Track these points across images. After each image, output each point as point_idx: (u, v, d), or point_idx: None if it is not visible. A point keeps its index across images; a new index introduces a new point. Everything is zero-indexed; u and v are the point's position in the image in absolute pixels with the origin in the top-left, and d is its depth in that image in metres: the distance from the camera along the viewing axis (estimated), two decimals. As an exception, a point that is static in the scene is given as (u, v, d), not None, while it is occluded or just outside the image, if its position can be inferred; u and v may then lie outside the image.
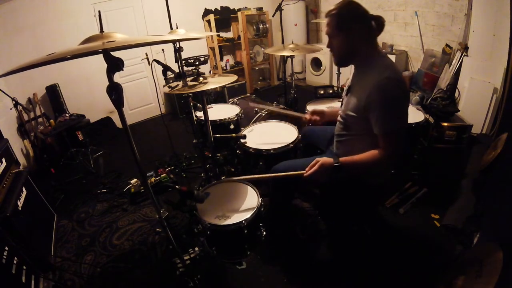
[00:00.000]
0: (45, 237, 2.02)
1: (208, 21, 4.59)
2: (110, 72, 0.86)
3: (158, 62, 1.61)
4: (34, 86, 3.37)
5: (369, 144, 1.28)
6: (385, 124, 1.20)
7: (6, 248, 1.41)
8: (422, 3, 3.38)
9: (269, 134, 2.05)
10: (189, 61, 1.79)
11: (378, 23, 1.30)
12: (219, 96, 4.11)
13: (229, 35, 4.96)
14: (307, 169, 1.31)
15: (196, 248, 1.51)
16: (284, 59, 2.98)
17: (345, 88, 1.50)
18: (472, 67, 2.81)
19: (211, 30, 4.59)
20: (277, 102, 2.74)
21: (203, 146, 2.02)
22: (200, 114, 2.14)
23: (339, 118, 1.51)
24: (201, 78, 1.59)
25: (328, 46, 1.39)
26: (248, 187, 1.60)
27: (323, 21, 1.53)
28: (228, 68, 4.97)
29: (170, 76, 1.68)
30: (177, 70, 1.68)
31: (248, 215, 1.38)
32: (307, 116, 1.75)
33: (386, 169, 1.47)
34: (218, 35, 4.74)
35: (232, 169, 2.33)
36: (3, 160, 1.85)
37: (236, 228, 1.36)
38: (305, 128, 2.02)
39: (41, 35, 3.35)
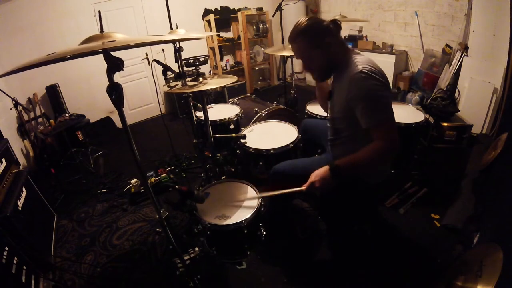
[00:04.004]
0: (45, 237, 2.02)
1: (208, 21, 4.59)
2: (110, 72, 0.86)
3: (158, 62, 1.61)
4: (34, 86, 3.38)
5: (361, 143, 1.28)
6: (371, 117, 1.20)
7: (6, 248, 1.41)
8: (422, 3, 3.38)
9: (269, 134, 2.05)
10: (189, 61, 1.79)
11: (336, 26, 1.31)
12: (219, 96, 4.12)
13: (229, 35, 4.96)
14: (304, 186, 1.31)
15: (196, 248, 1.51)
16: (284, 59, 2.98)
17: (328, 94, 1.51)
18: (472, 67, 2.81)
19: (211, 30, 4.59)
20: (277, 102, 2.74)
21: (203, 146, 2.02)
22: (200, 114, 2.13)
23: (328, 123, 1.53)
24: (200, 78, 1.59)
25: (305, 69, 1.40)
26: (248, 187, 1.60)
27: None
28: (228, 68, 4.97)
29: (170, 76, 1.68)
30: (177, 70, 1.68)
31: (248, 215, 1.38)
32: None
33: (385, 168, 1.47)
34: (218, 35, 4.74)
35: (232, 169, 2.33)
36: (3, 160, 1.85)
37: (236, 228, 1.36)
38: (305, 121, 2.01)
39: (41, 35, 3.36)
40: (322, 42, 1.27)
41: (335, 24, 1.30)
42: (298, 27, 1.28)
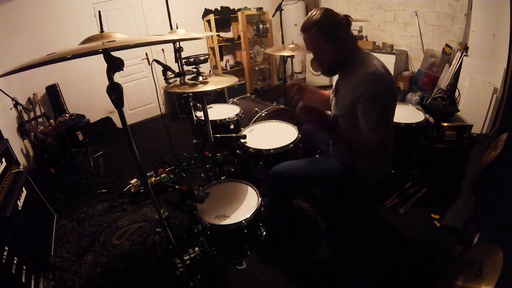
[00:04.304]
0: (45, 237, 2.02)
1: (208, 21, 4.59)
2: (110, 72, 0.86)
3: (158, 62, 1.60)
4: (34, 86, 3.37)
5: None
6: (369, 119, 1.20)
7: (6, 248, 1.41)
8: (422, 3, 3.37)
9: (269, 134, 2.05)
10: (189, 60, 1.79)
11: (348, 21, 1.29)
12: (219, 96, 4.11)
13: (229, 35, 4.96)
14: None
15: (196, 248, 1.51)
16: (284, 59, 2.98)
17: (332, 90, 1.50)
18: (472, 67, 2.81)
19: (211, 30, 4.59)
20: (277, 102, 2.74)
21: (203, 146, 2.02)
22: (200, 114, 2.13)
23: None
24: (201, 78, 1.59)
25: (316, 61, 1.38)
26: (248, 187, 1.60)
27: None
28: (228, 68, 4.97)
29: (170, 76, 1.68)
30: (177, 70, 1.68)
31: (248, 215, 1.38)
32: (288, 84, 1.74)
33: (385, 168, 1.47)
34: (218, 35, 4.74)
35: (232, 169, 2.33)
36: (3, 160, 1.85)
37: (236, 228, 1.36)
38: (305, 126, 2.02)
39: (41, 35, 3.35)
40: (335, 35, 1.25)
41: (347, 20, 1.29)
42: (312, 17, 1.25)
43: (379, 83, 1.18)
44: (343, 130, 1.31)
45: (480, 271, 1.10)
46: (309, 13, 1.28)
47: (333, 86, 1.50)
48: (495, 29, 2.53)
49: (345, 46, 1.29)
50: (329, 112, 1.55)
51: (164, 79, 1.68)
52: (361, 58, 1.29)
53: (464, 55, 2.90)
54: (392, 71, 3.66)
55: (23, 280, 1.46)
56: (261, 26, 4.90)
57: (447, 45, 3.16)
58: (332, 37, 1.25)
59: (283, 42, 3.30)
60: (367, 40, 4.13)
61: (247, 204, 1.48)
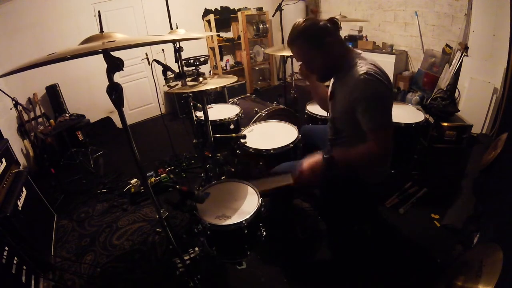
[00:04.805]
0: (45, 237, 2.03)
1: (208, 21, 4.60)
2: (110, 72, 0.86)
3: (158, 62, 1.60)
4: (34, 86, 3.38)
5: (361, 143, 1.28)
6: (372, 119, 1.20)
7: (6, 248, 1.41)
8: (422, 3, 3.38)
9: (269, 134, 2.05)
10: (189, 61, 1.79)
11: (334, 24, 1.29)
12: (219, 96, 4.11)
13: (229, 35, 4.96)
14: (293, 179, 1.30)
15: (196, 248, 1.51)
16: (284, 59, 2.98)
17: (328, 93, 1.50)
18: (472, 67, 2.81)
19: (211, 30, 4.59)
20: (277, 102, 2.74)
21: (203, 146, 2.02)
22: (200, 114, 2.13)
23: (328, 123, 1.52)
24: (201, 78, 1.60)
25: (308, 70, 1.39)
26: (248, 187, 1.60)
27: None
28: (228, 68, 4.97)
29: (170, 76, 1.68)
30: (177, 70, 1.68)
31: (248, 215, 1.38)
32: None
33: (385, 168, 1.47)
34: (218, 35, 4.74)
35: (232, 169, 2.33)
36: (3, 160, 1.85)
37: (237, 228, 1.36)
38: (305, 127, 2.02)
39: (41, 35, 3.36)
40: (322, 42, 1.25)
41: (333, 23, 1.28)
42: (296, 29, 1.26)
43: (375, 82, 1.18)
44: (345, 154, 1.28)
45: (480, 271, 1.10)
46: (293, 25, 1.28)
47: (329, 90, 1.50)
48: (495, 29, 2.53)
49: (334, 50, 1.28)
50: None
51: (164, 79, 1.68)
52: (353, 60, 1.28)
53: (464, 55, 2.90)
54: (392, 71, 3.67)
55: (23, 280, 1.46)
56: (261, 26, 4.90)
57: (447, 45, 3.16)
58: (319, 44, 1.25)
59: (283, 42, 3.29)
60: (367, 40, 4.13)
61: (247, 204, 1.48)
